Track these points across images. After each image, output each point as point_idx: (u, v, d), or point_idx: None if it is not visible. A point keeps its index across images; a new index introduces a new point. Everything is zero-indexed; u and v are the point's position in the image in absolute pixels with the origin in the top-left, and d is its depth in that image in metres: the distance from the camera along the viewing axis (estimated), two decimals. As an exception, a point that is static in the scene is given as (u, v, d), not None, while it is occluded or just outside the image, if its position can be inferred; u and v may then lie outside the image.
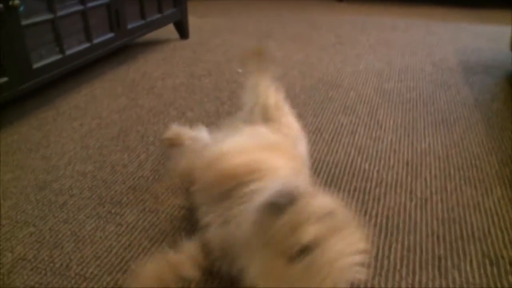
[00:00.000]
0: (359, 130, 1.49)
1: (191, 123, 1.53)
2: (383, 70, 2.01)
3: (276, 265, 0.67)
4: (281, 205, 0.66)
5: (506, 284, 0.88)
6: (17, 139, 1.45)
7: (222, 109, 1.63)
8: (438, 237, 1.01)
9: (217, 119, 1.56)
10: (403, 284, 0.88)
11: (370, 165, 1.28)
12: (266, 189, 0.76)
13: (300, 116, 1.31)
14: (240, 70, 2.03)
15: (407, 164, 1.28)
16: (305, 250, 0.64)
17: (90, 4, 1.77)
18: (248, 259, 0.74)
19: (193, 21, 2.79)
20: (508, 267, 0.92)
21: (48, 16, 1.58)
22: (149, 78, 1.97)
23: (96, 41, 1.83)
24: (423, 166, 1.28)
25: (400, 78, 1.93)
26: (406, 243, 0.99)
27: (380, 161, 1.31)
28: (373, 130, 1.49)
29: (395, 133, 1.44)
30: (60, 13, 1.62)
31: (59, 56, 1.64)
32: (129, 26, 2.06)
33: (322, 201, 0.69)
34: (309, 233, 0.64)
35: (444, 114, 1.59)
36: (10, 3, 1.38)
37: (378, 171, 1.25)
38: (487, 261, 0.94)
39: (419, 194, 1.15)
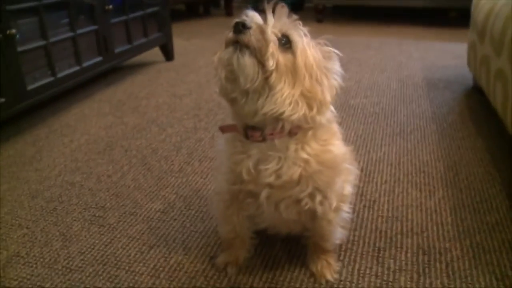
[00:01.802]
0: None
1: (171, 138, 1.69)
2: (351, 87, 2.16)
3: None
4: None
5: (433, 269, 1.02)
6: (13, 154, 1.60)
7: (199, 125, 1.79)
8: (380, 232, 1.15)
9: (194, 134, 1.72)
10: (344, 272, 1.02)
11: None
12: None
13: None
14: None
15: (362, 170, 1.43)
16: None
17: (80, 31, 1.94)
18: None
19: (179, 43, 2.97)
20: (437, 255, 1.07)
21: (41, 43, 1.74)
22: (135, 98, 2.13)
23: (85, 64, 1.99)
24: (375, 172, 1.43)
25: (366, 95, 2.09)
26: (351, 238, 1.13)
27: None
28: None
29: (354, 144, 1.59)
30: (52, 39, 1.79)
31: (51, 79, 1.80)
32: (116, 50, 2.22)
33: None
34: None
35: (402, 126, 1.74)
36: (8, 32, 1.54)
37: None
38: (420, 251, 1.08)
39: (368, 197, 1.30)
